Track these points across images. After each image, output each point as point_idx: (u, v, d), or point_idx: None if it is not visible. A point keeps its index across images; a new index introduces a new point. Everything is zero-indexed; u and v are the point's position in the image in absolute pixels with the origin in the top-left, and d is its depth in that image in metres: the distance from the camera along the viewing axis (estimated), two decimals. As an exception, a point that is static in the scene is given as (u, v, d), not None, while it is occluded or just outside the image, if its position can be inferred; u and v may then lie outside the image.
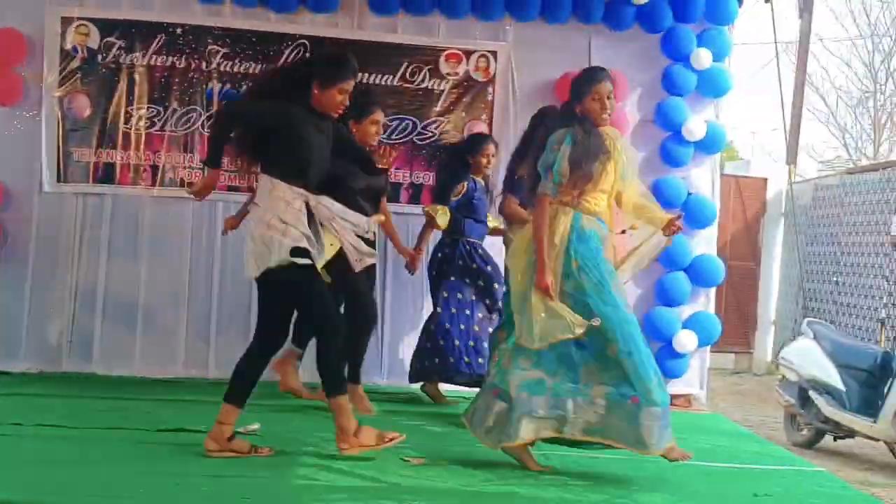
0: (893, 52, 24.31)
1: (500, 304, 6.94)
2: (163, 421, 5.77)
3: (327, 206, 5.12)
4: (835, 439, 8.38)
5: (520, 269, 5.21)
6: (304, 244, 4.98)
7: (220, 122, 5.38)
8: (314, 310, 5.20)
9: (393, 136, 7.84)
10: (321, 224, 5.12)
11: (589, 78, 5.22)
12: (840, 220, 12.10)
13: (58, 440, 5.30)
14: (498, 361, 5.29)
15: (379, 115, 6.35)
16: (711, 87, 7.96)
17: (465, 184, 6.99)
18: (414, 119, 7.88)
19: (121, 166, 7.69)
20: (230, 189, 7.72)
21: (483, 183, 7.13)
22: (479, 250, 7.12)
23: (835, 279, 12.12)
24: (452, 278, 7.03)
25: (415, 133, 7.88)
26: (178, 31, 7.72)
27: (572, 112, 5.18)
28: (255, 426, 5.69)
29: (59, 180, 7.63)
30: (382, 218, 5.98)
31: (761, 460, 6.09)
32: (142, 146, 7.70)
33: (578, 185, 5.06)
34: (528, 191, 5.44)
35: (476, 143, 7.21)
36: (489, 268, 7.06)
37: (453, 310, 6.98)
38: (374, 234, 6.39)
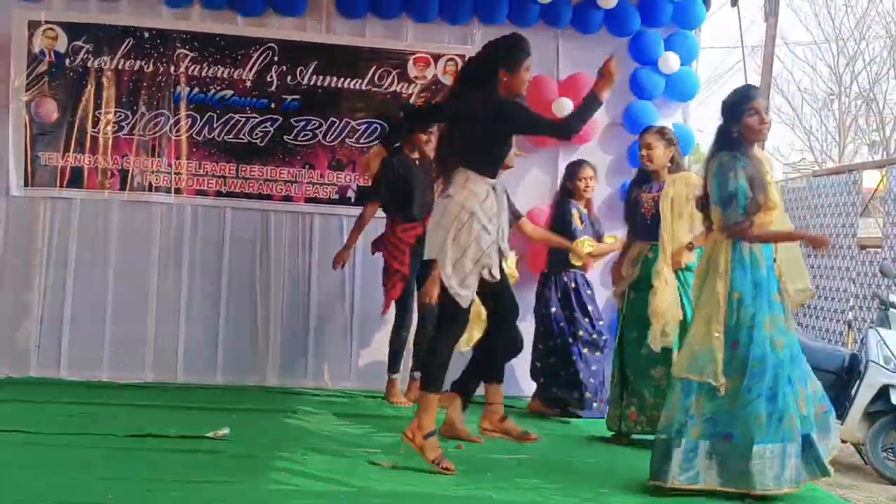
0: (857, 56, 24.59)
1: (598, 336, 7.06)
2: (132, 426, 5.72)
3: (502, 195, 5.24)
4: (802, 440, 8.45)
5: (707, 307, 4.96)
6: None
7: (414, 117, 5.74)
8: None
9: (361, 140, 7.85)
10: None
11: (745, 95, 5.07)
12: (806, 223, 12.20)
13: (25, 446, 5.25)
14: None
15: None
16: (679, 90, 8.03)
17: (577, 212, 7.09)
18: (382, 123, 7.87)
19: (89, 170, 7.65)
20: (198, 193, 7.71)
21: (586, 210, 7.21)
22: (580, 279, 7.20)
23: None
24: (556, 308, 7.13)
25: (383, 136, 7.87)
26: (146, 34, 7.69)
27: (729, 135, 4.99)
28: (225, 430, 5.67)
29: (26, 184, 7.59)
30: None
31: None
32: (110, 150, 7.67)
33: (751, 210, 4.88)
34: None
35: (572, 168, 7.26)
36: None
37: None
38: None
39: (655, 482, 4.87)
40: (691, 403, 4.83)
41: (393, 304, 7.15)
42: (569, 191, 7.20)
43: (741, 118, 4.97)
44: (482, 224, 5.06)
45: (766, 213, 4.92)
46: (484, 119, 5.12)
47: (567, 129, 5.33)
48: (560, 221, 7.16)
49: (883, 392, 7.41)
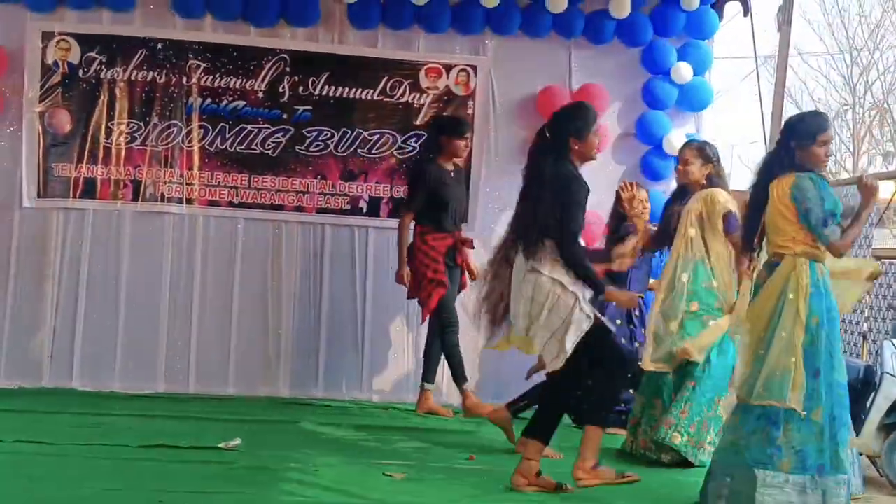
0: (871, 66, 24.52)
1: None
2: (143, 436, 5.72)
3: None
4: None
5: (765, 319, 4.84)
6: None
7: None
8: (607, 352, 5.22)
9: (373, 151, 7.85)
10: None
11: (819, 125, 4.89)
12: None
13: (37, 456, 5.25)
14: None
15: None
16: (692, 100, 8.00)
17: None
18: (394, 133, 7.87)
19: (101, 181, 7.66)
20: (211, 203, 7.72)
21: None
22: None
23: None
24: None
25: (395, 147, 7.88)
26: (159, 45, 7.70)
27: (793, 157, 4.85)
28: (237, 441, 5.66)
29: (39, 195, 7.59)
30: None
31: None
32: (122, 161, 7.67)
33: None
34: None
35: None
36: None
37: None
38: None
39: None
40: (780, 432, 4.66)
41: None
42: (621, 215, 6.95)
43: (810, 147, 4.82)
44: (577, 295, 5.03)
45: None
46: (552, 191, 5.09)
47: (565, 249, 5.07)
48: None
49: (898, 404, 7.36)
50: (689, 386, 5.89)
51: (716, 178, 6.15)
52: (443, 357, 7.15)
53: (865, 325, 10.50)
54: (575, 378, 5.14)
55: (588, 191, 5.09)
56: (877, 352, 8.32)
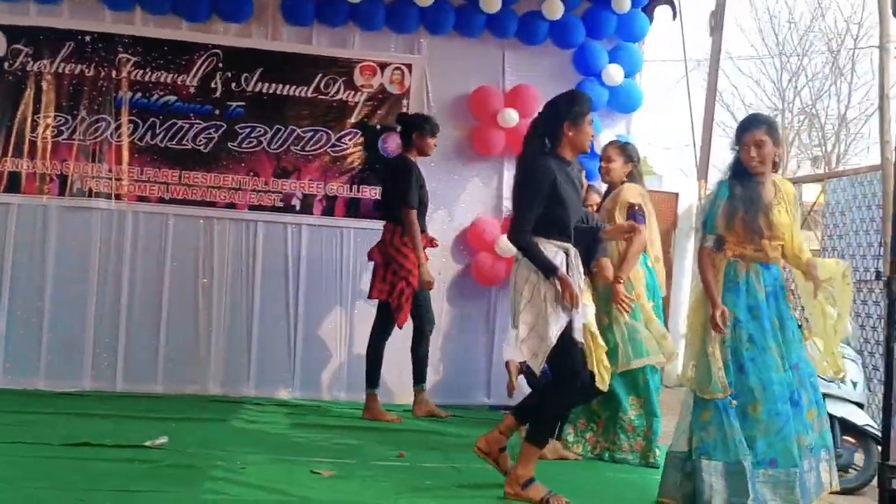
0: (800, 71, 24.94)
1: None
2: (68, 435, 5.63)
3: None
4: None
5: (700, 325, 4.95)
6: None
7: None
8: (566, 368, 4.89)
9: (307, 148, 7.82)
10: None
11: (742, 128, 4.97)
12: (748, 235, 12.34)
13: (-43, 455, 5.16)
14: None
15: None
16: (623, 102, 8.09)
17: None
18: (328, 131, 7.85)
19: (27, 175, 7.53)
20: (140, 199, 7.63)
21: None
22: None
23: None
24: None
25: (329, 145, 7.86)
26: (87, 38, 7.60)
27: (736, 160, 4.97)
28: (163, 439, 5.60)
29: (-38, 189, 7.46)
30: None
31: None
32: (49, 155, 7.55)
33: (741, 234, 4.85)
34: None
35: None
36: None
37: None
38: None
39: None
40: (726, 424, 4.72)
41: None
42: None
43: (739, 149, 4.97)
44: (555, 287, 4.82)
45: (771, 241, 4.88)
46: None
47: (510, 232, 5.00)
48: None
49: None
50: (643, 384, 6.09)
51: (636, 177, 6.30)
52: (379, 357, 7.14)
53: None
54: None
55: (550, 180, 4.86)
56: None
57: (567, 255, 4.93)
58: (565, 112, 5.00)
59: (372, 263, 7.10)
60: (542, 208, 4.88)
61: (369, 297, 7.14)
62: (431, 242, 7.14)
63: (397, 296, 6.87)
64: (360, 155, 7.89)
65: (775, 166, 5.03)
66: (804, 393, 4.82)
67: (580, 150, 5.09)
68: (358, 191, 7.88)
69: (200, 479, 4.90)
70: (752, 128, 4.94)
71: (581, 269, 5.07)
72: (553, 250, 4.89)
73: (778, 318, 4.87)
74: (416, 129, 7.08)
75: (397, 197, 6.92)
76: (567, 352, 4.82)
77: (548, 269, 4.82)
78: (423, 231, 7.04)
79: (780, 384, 4.76)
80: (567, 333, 4.81)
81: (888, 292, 4.87)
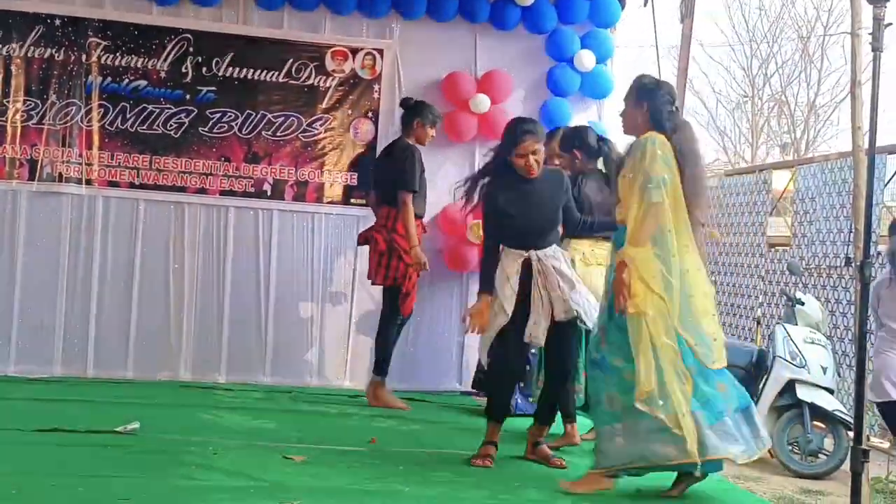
0: (770, 58, 25.08)
1: None
2: (38, 420, 5.60)
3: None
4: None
5: None
6: None
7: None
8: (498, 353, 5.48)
9: (278, 133, 7.80)
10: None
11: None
12: (718, 221, 12.42)
13: (-74, 442, 5.12)
14: None
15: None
16: (594, 88, 8.11)
17: None
18: (299, 116, 7.83)
19: (-4, 160, 7.48)
20: (110, 184, 7.58)
21: None
22: None
23: (713, 278, 12.43)
24: None
25: (300, 130, 7.84)
26: (58, 22, 7.53)
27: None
28: (135, 425, 5.59)
29: (-70, 174, 7.39)
30: None
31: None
32: (18, 139, 7.49)
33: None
34: None
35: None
36: None
37: None
38: None
39: None
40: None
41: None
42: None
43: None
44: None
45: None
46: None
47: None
48: None
49: (789, 387, 7.59)
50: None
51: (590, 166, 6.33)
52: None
53: (759, 310, 10.78)
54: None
55: (491, 203, 5.44)
56: (769, 336, 8.57)
57: (529, 259, 5.39)
58: (507, 143, 5.47)
59: (365, 248, 7.15)
60: (494, 224, 5.48)
61: (373, 283, 7.08)
62: (424, 229, 7.18)
63: (405, 281, 6.89)
64: (331, 140, 7.87)
65: None
66: None
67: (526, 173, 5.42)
68: (329, 176, 7.87)
69: (172, 465, 4.89)
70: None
71: (561, 263, 5.44)
72: (513, 256, 5.40)
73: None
74: (419, 116, 7.07)
75: (398, 179, 6.89)
76: (503, 339, 5.40)
77: (480, 283, 5.51)
78: (421, 216, 7.06)
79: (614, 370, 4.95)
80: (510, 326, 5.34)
81: (861, 276, 4.91)
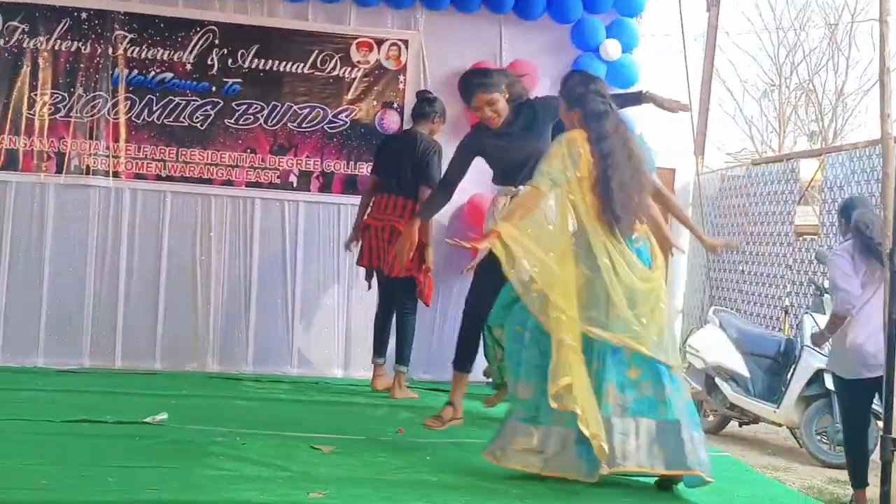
0: (797, 46, 24.88)
1: None
2: (67, 412, 5.64)
3: None
4: (740, 425, 8.59)
5: None
6: None
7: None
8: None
9: (304, 125, 7.81)
10: None
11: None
12: (746, 210, 12.36)
13: (-42, 432, 5.16)
14: None
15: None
16: (620, 77, 8.05)
17: None
18: (324, 107, 7.84)
19: (24, 153, 7.51)
20: (137, 177, 7.62)
21: None
22: None
23: (740, 268, 12.38)
24: None
25: (325, 121, 7.85)
26: (84, 15, 7.57)
27: None
28: (163, 416, 5.62)
29: (-41, 167, 7.44)
30: None
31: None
32: (46, 132, 7.54)
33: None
34: None
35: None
36: None
37: None
38: None
39: None
40: None
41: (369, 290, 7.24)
42: None
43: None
44: None
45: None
46: None
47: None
48: None
49: (816, 376, 7.55)
50: None
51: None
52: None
53: (787, 300, 10.71)
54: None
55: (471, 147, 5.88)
56: (797, 325, 8.52)
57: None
58: (464, 101, 5.86)
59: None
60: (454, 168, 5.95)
61: (395, 275, 6.82)
62: None
63: (425, 272, 6.87)
64: (356, 131, 7.87)
65: None
66: None
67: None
68: (355, 167, 7.87)
69: (201, 455, 4.91)
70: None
71: None
72: (503, 193, 5.85)
73: None
74: (439, 112, 7.10)
75: (422, 173, 6.83)
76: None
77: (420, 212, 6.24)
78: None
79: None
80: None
81: (890, 264, 4.88)
